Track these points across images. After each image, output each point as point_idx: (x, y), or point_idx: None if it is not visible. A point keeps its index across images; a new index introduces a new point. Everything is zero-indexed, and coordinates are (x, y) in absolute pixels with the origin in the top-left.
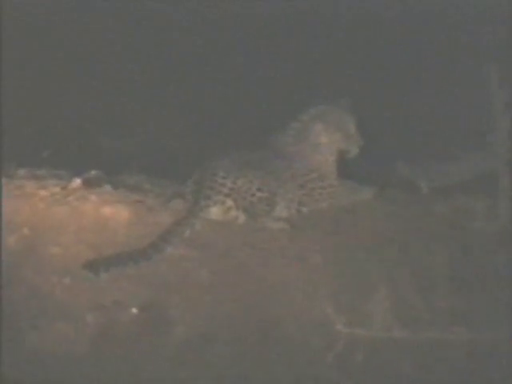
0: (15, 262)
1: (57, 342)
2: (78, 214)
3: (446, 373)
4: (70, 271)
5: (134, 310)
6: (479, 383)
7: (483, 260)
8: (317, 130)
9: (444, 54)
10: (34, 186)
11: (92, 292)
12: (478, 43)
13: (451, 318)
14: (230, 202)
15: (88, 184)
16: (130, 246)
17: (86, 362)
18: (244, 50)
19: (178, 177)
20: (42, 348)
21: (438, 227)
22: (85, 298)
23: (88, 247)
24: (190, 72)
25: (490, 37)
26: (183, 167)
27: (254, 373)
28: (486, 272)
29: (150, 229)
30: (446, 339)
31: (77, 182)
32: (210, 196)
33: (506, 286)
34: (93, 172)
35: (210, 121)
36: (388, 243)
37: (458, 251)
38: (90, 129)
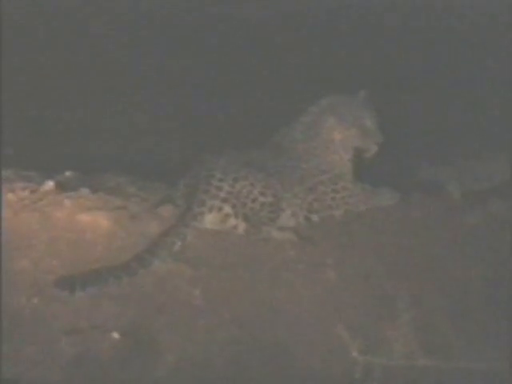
0: None
1: (26, 370)
2: (50, 222)
3: None
4: (41, 289)
5: (115, 335)
6: None
7: None
8: (329, 125)
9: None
10: None
11: (66, 314)
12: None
13: (486, 345)
14: (227, 209)
15: (62, 187)
16: (110, 260)
17: None
18: (234, 47)
19: (168, 179)
20: (9, 377)
21: (472, 240)
22: (58, 320)
23: (62, 261)
24: (178, 69)
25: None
26: (173, 168)
27: None
28: None
29: (134, 240)
30: (479, 369)
31: (49, 184)
32: (205, 201)
33: None
34: (67, 173)
35: (205, 117)
36: (412, 258)
37: (496, 268)
38: (66, 127)
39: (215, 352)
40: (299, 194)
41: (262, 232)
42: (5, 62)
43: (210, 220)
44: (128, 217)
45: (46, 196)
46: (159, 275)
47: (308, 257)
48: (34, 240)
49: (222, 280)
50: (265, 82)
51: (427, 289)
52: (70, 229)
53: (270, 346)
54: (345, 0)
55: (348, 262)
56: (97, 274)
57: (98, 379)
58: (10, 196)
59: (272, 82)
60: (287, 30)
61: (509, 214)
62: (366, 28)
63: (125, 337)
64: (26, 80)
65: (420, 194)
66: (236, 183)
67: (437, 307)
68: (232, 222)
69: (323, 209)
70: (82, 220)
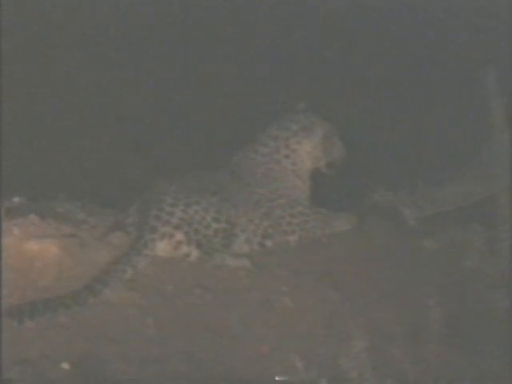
0: None
1: None
2: None
3: None
4: None
5: (66, 366)
6: None
7: (480, 305)
8: (293, 145)
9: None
10: None
11: (15, 344)
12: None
13: (443, 373)
14: (180, 236)
15: (9, 214)
16: (60, 289)
17: None
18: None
19: (118, 204)
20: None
21: (428, 266)
22: (6, 350)
23: (10, 290)
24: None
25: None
26: (124, 193)
27: None
28: (484, 320)
29: (85, 268)
30: None
31: None
32: (156, 228)
33: (507, 337)
34: (16, 199)
35: (157, 139)
36: (368, 285)
37: (451, 294)
38: (12, 146)
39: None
40: (254, 219)
41: (215, 259)
42: None
43: (161, 247)
44: (78, 244)
45: None
46: (110, 304)
47: (262, 284)
48: None
49: (175, 309)
50: None
51: (383, 316)
52: (18, 257)
53: (224, 376)
54: None
55: (303, 289)
56: (46, 303)
57: None
58: None
59: None
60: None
61: (465, 239)
62: None
63: (75, 367)
64: None
65: (376, 218)
66: (188, 209)
67: (393, 335)
68: (184, 249)
69: (279, 235)
70: (30, 248)
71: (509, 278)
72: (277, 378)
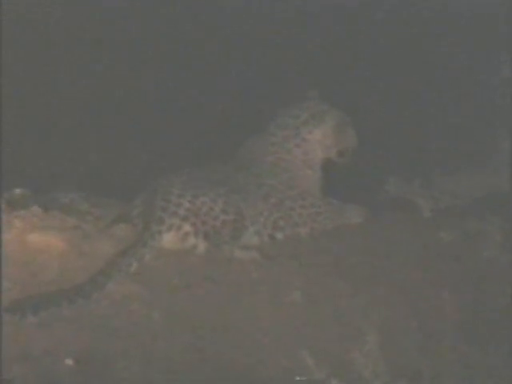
0: None
1: None
2: None
3: None
4: None
5: (69, 362)
6: None
7: (497, 298)
8: (303, 134)
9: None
10: None
11: (18, 339)
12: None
13: (459, 371)
14: (187, 227)
15: (11, 205)
16: (63, 283)
17: None
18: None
19: (123, 195)
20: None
21: (444, 258)
22: (9, 346)
23: (12, 284)
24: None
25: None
26: (129, 183)
27: None
28: (500, 314)
29: (88, 261)
30: None
31: None
32: (163, 219)
33: None
34: (17, 190)
35: (164, 131)
36: (381, 278)
37: (468, 287)
38: (16, 139)
39: (176, 380)
40: (263, 210)
41: (223, 251)
42: None
43: (168, 239)
44: (82, 237)
45: None
46: (115, 298)
47: (272, 277)
48: None
49: (181, 303)
50: None
51: (397, 311)
52: (20, 250)
53: (232, 372)
54: None
55: (314, 283)
56: (49, 297)
57: None
58: None
59: None
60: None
61: (482, 230)
62: None
63: (79, 364)
64: None
65: (390, 210)
66: (196, 200)
67: (407, 329)
68: (192, 241)
69: (289, 227)
70: (33, 241)
71: None
72: (297, 378)
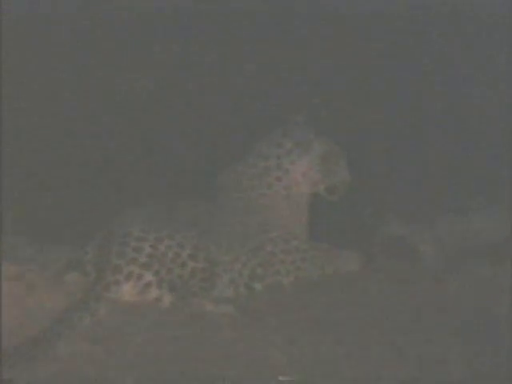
0: None
1: None
2: None
3: None
4: None
5: None
6: None
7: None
8: (286, 165)
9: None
10: None
11: None
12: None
13: None
14: (149, 276)
15: None
16: (3, 343)
17: None
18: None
19: (74, 239)
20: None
21: (451, 316)
22: None
23: None
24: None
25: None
26: (81, 225)
27: None
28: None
29: (33, 317)
30: None
31: None
32: (121, 267)
33: None
34: None
35: (125, 159)
36: (377, 338)
37: (479, 349)
38: None
39: None
40: (239, 256)
41: (192, 305)
42: None
43: (127, 291)
44: (24, 288)
45: None
46: (64, 360)
47: (250, 336)
48: None
49: (142, 365)
50: None
51: (394, 377)
52: None
53: None
54: None
55: (299, 342)
56: None
57: None
58: None
59: None
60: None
61: (501, 281)
62: None
63: None
64: None
65: (388, 256)
66: (159, 243)
67: None
68: (155, 292)
69: (270, 275)
70: None
71: None
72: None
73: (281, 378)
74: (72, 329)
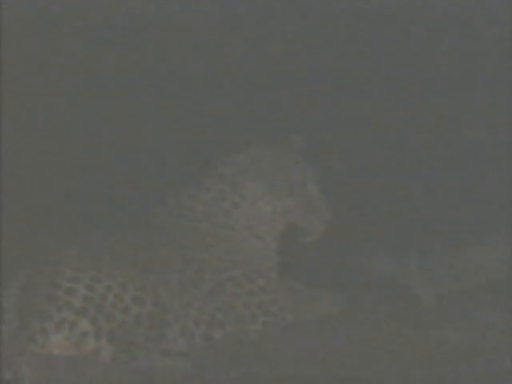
0: None
1: None
2: None
3: None
4: None
5: None
6: None
7: None
8: (251, 193)
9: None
10: None
11: None
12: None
13: None
14: (85, 324)
15: None
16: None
17: None
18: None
19: None
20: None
21: (448, 367)
22: None
23: None
24: None
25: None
26: (3, 262)
27: None
28: None
29: None
30: None
31: None
32: (50, 313)
33: None
34: None
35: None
36: None
37: None
38: None
39: None
40: (194, 300)
41: (137, 359)
42: None
43: (58, 342)
44: None
45: None
46: None
47: None
48: None
49: None
50: None
51: None
52: None
53: None
54: None
55: None
56: None
57: None
58: None
59: None
60: None
61: (505, 325)
62: None
63: None
64: None
65: (375, 298)
66: (97, 284)
67: None
68: (92, 343)
69: (231, 322)
70: None
71: None
72: None
73: None
74: None
